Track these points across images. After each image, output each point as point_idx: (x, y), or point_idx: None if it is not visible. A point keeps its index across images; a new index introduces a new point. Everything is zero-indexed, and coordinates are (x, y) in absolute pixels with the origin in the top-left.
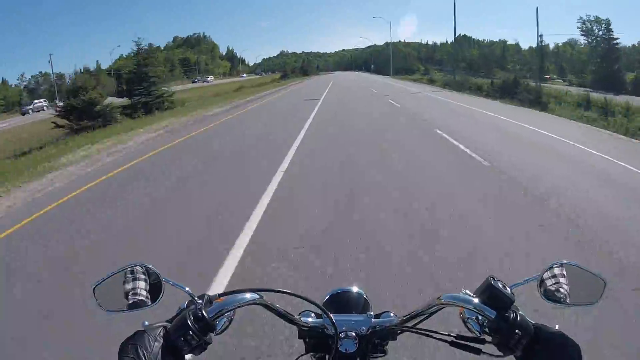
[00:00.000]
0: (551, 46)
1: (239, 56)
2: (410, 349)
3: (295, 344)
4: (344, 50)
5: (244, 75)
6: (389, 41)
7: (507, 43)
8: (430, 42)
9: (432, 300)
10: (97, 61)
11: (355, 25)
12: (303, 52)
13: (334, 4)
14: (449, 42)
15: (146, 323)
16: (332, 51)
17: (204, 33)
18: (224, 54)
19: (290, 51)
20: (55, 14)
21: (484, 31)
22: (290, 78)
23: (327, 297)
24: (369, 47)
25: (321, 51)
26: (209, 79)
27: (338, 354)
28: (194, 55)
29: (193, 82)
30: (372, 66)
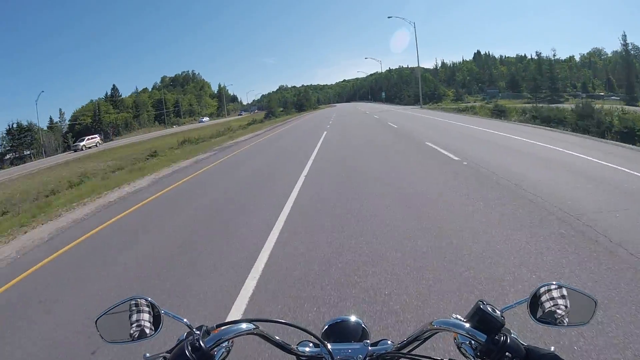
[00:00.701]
0: (577, 58)
1: (231, 94)
2: None
3: None
4: (344, 80)
5: (242, 112)
6: (392, 67)
7: (542, 56)
8: (446, 62)
9: (425, 325)
10: (61, 109)
11: (353, 57)
12: (303, 85)
13: (331, 36)
14: (464, 59)
15: (147, 355)
16: (333, 82)
17: (193, 71)
18: (216, 92)
19: (289, 85)
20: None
21: (492, 47)
22: (280, 116)
23: (326, 327)
24: (372, 75)
25: (322, 83)
26: (204, 119)
27: None
28: (178, 96)
29: (174, 126)
30: (384, 94)
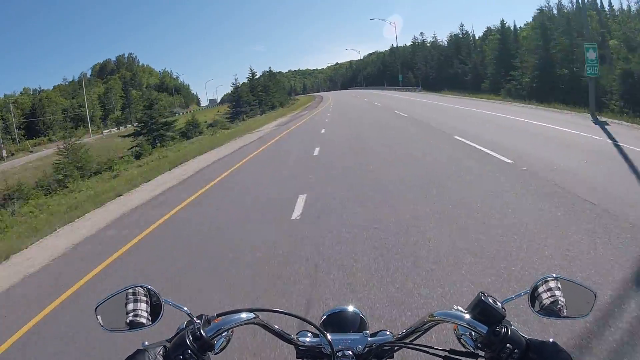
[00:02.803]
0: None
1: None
2: None
3: None
4: (337, 64)
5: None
6: (395, 44)
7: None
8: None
9: (425, 317)
10: None
11: (348, 43)
12: (290, 70)
13: (323, 24)
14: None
15: (146, 343)
16: (324, 66)
17: (131, 54)
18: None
19: (276, 71)
20: None
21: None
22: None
23: (324, 317)
24: (371, 54)
25: (311, 68)
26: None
27: None
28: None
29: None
30: (401, 77)
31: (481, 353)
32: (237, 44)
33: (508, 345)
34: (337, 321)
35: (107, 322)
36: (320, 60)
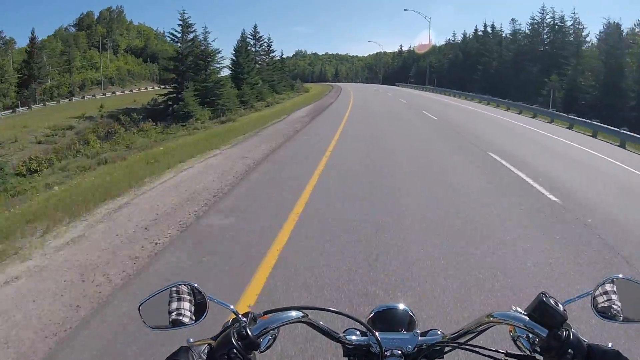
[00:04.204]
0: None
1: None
2: None
3: None
4: (380, 52)
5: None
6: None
7: None
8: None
9: (481, 318)
10: None
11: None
12: (326, 53)
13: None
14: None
15: (191, 340)
16: (365, 54)
17: (120, 7)
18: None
19: (309, 52)
20: None
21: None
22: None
23: (372, 314)
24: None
25: (351, 54)
26: None
27: None
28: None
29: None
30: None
31: (539, 357)
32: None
33: (569, 350)
34: (385, 319)
35: (151, 319)
36: (363, 48)
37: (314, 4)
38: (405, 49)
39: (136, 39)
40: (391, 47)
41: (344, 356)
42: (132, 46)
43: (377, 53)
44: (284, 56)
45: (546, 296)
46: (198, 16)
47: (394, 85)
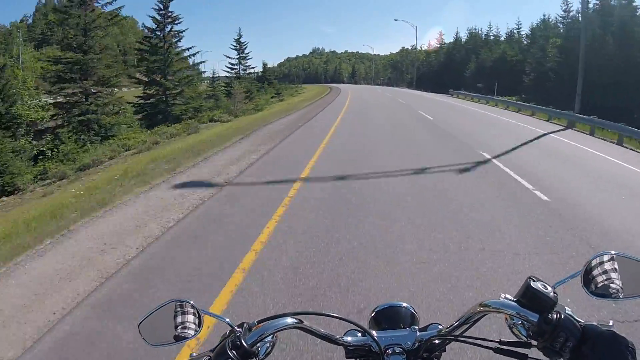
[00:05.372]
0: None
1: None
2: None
3: None
4: (407, 48)
5: None
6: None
7: None
8: None
9: (475, 307)
10: None
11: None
12: (346, 51)
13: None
14: None
15: (194, 354)
16: (387, 52)
17: None
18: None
19: (328, 50)
20: None
21: None
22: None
23: (373, 313)
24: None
25: (372, 53)
26: None
27: None
28: None
29: None
30: None
31: (534, 342)
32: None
33: (562, 333)
34: (387, 317)
35: (152, 337)
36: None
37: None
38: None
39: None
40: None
41: (347, 358)
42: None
43: (403, 49)
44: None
45: (534, 280)
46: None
47: (448, 93)
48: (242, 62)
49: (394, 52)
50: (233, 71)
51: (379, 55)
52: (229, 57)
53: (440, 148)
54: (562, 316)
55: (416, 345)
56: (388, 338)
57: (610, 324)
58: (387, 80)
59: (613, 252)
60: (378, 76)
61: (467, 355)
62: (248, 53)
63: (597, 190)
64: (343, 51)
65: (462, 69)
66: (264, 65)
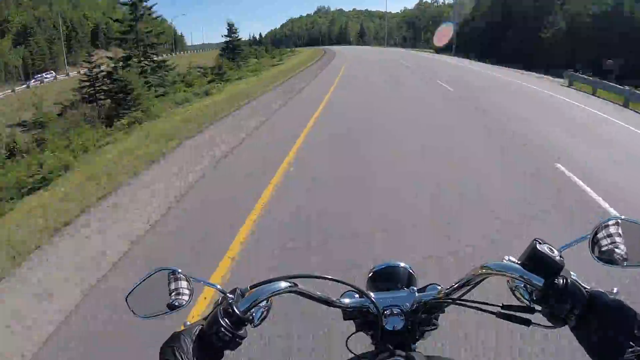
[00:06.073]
0: None
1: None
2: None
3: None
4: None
5: None
6: None
7: None
8: None
9: (476, 269)
10: None
11: None
12: (354, 9)
13: None
14: None
15: (188, 323)
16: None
17: None
18: None
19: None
20: None
21: None
22: None
23: (370, 274)
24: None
25: (382, 9)
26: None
27: (385, 332)
28: None
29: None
30: None
31: (538, 307)
32: None
33: (568, 300)
34: (384, 278)
35: (141, 309)
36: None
37: None
38: None
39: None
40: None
41: (344, 319)
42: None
43: (421, 1)
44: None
45: (540, 243)
46: None
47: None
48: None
49: (409, 7)
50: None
51: (390, 13)
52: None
53: None
54: (569, 282)
55: (415, 306)
56: (386, 299)
57: (615, 291)
58: (400, 41)
59: (623, 217)
60: (391, 36)
61: (467, 318)
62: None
63: None
64: (351, 9)
65: (532, 28)
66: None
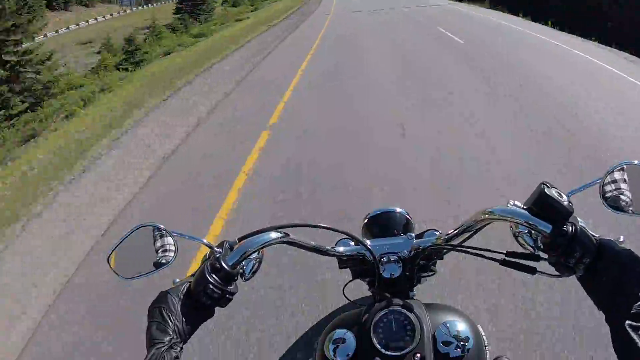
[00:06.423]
0: None
1: None
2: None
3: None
4: None
5: None
6: None
7: None
8: None
9: (477, 214)
10: None
11: None
12: None
13: None
14: None
15: (177, 280)
16: None
17: None
18: None
19: None
20: None
21: None
22: None
23: (366, 220)
24: None
25: None
26: None
27: (382, 279)
28: None
29: None
30: None
31: (543, 255)
32: None
33: (577, 248)
34: (380, 224)
35: (124, 270)
36: None
37: None
38: None
39: None
40: None
41: (340, 268)
42: None
43: None
44: None
45: (548, 186)
46: None
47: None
48: None
49: None
50: None
51: None
52: None
53: None
54: (578, 228)
55: (412, 253)
56: (383, 246)
57: (622, 239)
58: None
59: (636, 162)
60: None
61: (467, 266)
62: None
63: None
64: None
65: None
66: None
